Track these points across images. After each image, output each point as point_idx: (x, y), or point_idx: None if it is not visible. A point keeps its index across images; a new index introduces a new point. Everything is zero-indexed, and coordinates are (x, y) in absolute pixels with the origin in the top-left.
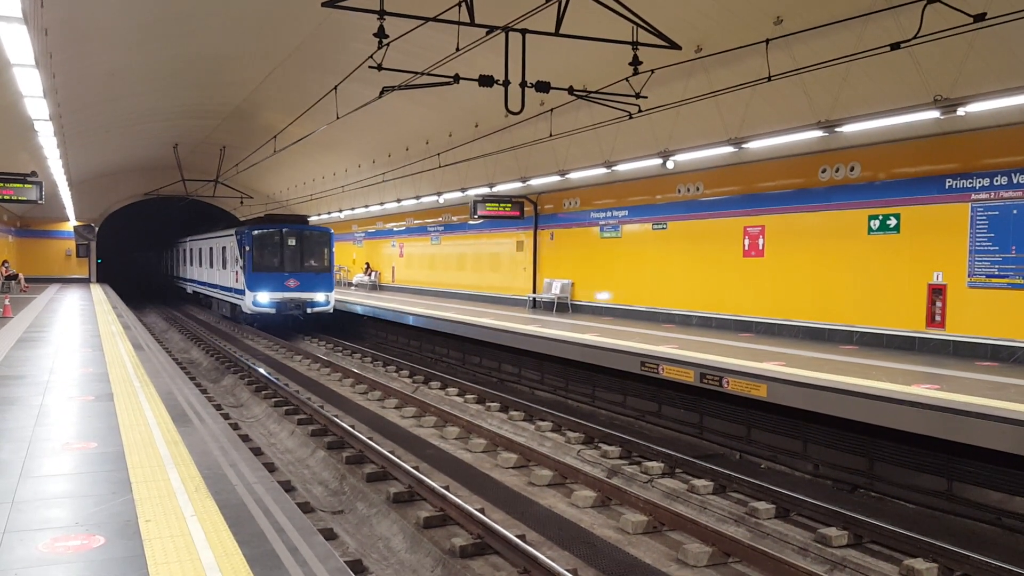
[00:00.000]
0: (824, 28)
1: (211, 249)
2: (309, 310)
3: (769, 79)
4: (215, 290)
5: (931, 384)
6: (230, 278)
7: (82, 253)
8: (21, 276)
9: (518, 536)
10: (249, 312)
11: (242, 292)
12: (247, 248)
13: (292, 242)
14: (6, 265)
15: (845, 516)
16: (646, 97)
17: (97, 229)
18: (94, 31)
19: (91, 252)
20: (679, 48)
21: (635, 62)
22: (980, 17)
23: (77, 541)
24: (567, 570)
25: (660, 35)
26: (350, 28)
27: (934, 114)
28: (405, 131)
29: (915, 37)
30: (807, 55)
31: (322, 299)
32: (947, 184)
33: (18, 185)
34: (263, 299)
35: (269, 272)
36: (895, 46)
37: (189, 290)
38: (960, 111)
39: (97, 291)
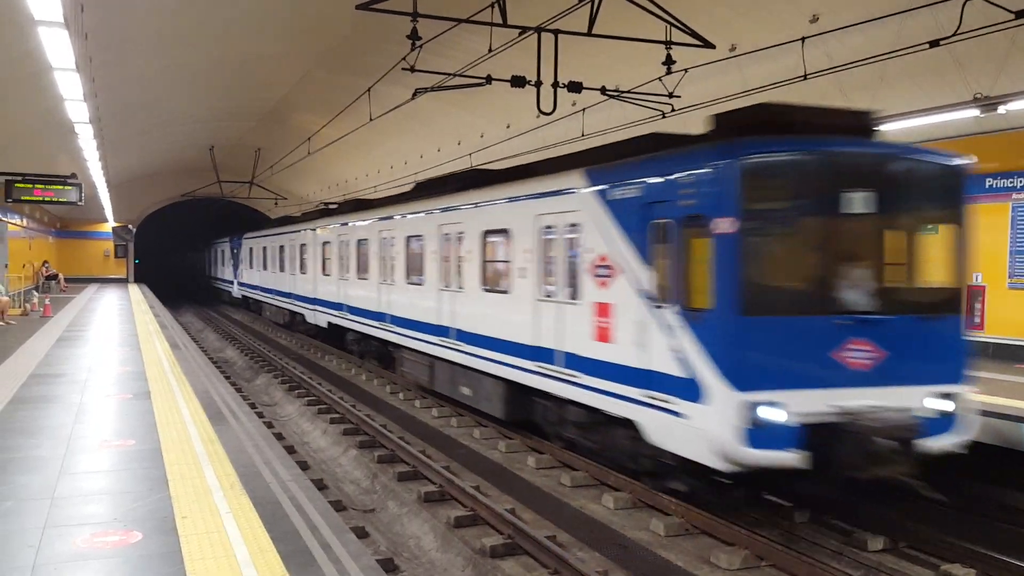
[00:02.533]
0: (861, 25)
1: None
2: None
3: (805, 77)
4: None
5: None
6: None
7: (120, 254)
8: (61, 276)
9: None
10: None
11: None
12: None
13: None
14: (46, 265)
15: None
16: (679, 96)
17: (135, 230)
18: (133, 35)
19: (129, 253)
20: (713, 47)
21: (668, 61)
22: (1022, 13)
23: (115, 537)
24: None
25: (694, 34)
26: (383, 30)
27: (974, 112)
28: (436, 132)
29: (955, 34)
30: (844, 53)
31: None
32: (987, 183)
33: (59, 187)
34: None
35: None
36: (934, 43)
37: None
38: (1001, 109)
39: (135, 291)
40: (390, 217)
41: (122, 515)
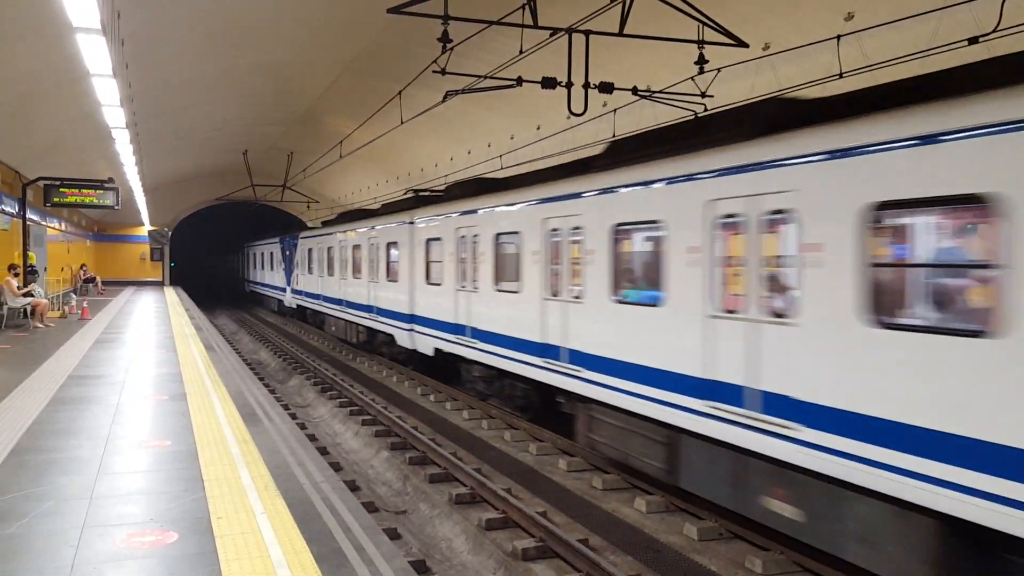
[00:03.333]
0: (898, 23)
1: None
2: None
3: (841, 76)
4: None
5: None
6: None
7: (156, 257)
8: (98, 279)
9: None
10: None
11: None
12: None
13: None
14: (84, 269)
15: None
16: (712, 96)
17: (170, 233)
18: (168, 41)
19: (164, 256)
20: (746, 46)
21: (700, 61)
22: None
23: (152, 537)
24: None
25: (727, 33)
26: (414, 33)
27: None
28: (467, 134)
29: (994, 31)
30: (879, 51)
31: None
32: None
33: (96, 191)
34: None
35: None
36: (973, 40)
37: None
38: None
39: (170, 294)
40: (571, 196)
41: (158, 515)
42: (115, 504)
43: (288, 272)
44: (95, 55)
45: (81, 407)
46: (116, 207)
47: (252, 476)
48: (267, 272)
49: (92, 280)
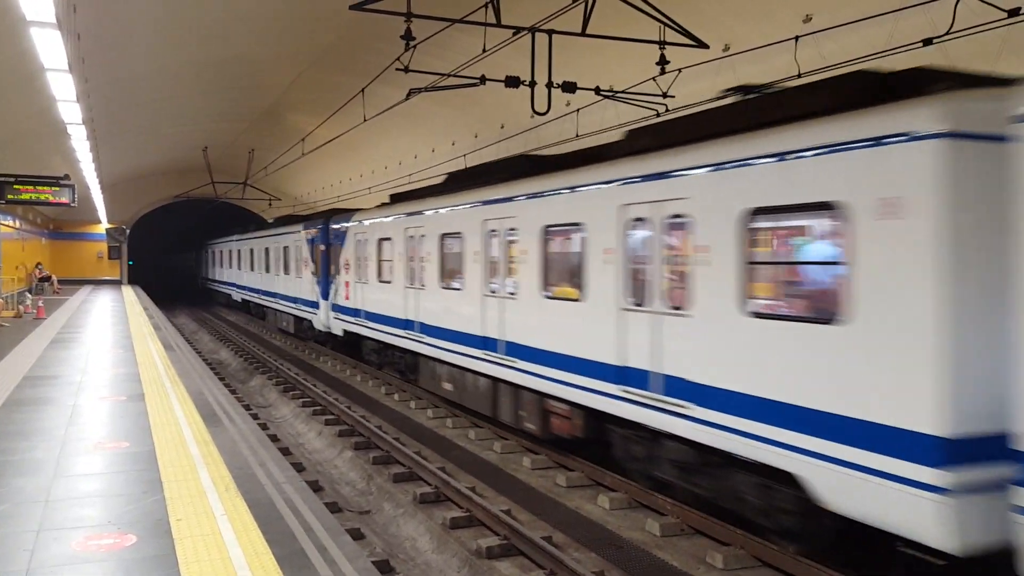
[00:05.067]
0: (854, 24)
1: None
2: None
3: (799, 76)
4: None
5: None
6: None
7: (114, 255)
8: (54, 278)
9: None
10: None
11: None
12: None
13: None
14: (39, 267)
15: None
16: (673, 96)
17: (128, 231)
18: (126, 36)
19: (122, 254)
20: (707, 47)
21: (662, 61)
22: (1015, 12)
23: (109, 539)
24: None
25: (687, 34)
26: (377, 31)
27: None
28: (430, 132)
29: (947, 33)
30: (837, 52)
31: None
32: None
33: (52, 188)
34: None
35: None
36: (927, 42)
37: (333, 327)
38: None
39: (128, 293)
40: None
41: (116, 518)
42: (72, 507)
43: (325, 279)
44: (50, 50)
45: (36, 408)
46: (72, 204)
47: (212, 477)
48: (262, 276)
49: (48, 279)
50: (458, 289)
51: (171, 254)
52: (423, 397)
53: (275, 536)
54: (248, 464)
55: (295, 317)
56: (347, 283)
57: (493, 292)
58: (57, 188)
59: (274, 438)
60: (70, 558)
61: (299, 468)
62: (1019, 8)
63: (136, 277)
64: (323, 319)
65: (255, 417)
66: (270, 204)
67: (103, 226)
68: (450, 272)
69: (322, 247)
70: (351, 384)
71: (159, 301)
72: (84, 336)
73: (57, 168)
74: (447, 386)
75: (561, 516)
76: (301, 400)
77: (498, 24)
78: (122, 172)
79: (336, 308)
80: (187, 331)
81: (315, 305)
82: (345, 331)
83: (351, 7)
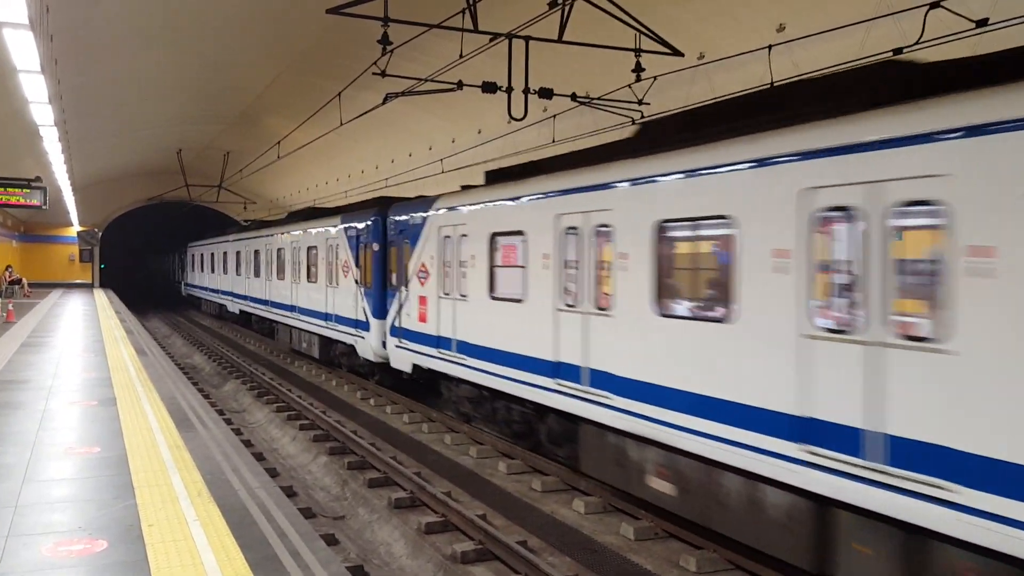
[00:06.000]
0: (826, 34)
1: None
2: None
3: (772, 85)
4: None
5: None
6: None
7: (85, 258)
8: (25, 281)
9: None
10: None
11: None
12: None
13: None
14: (10, 270)
15: None
16: (648, 104)
17: (100, 234)
18: (100, 37)
19: (94, 257)
20: (682, 55)
21: (637, 69)
22: (983, 23)
23: (80, 545)
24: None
25: (663, 42)
26: (354, 35)
27: None
28: (408, 137)
29: (917, 43)
30: (809, 61)
31: None
32: None
33: (23, 190)
34: None
35: None
36: (897, 52)
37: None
38: None
39: (100, 296)
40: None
41: (87, 523)
42: (42, 512)
43: (380, 291)
44: (22, 51)
45: (6, 413)
46: (43, 207)
47: (185, 482)
48: (272, 284)
49: (18, 282)
50: (717, 320)
51: (145, 257)
52: (399, 402)
53: (248, 541)
54: (221, 469)
55: (323, 338)
56: (422, 298)
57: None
58: (28, 190)
59: (248, 443)
60: (40, 564)
61: (273, 473)
62: (987, 19)
63: (108, 280)
64: (374, 345)
65: (228, 422)
66: (245, 207)
67: (75, 229)
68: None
69: (375, 247)
70: (326, 389)
71: (132, 305)
72: (55, 340)
73: (29, 170)
74: (660, 486)
75: (536, 520)
76: (276, 405)
77: (475, 30)
78: (95, 174)
79: (400, 333)
80: (160, 335)
81: (361, 325)
82: (416, 366)
83: (328, 11)
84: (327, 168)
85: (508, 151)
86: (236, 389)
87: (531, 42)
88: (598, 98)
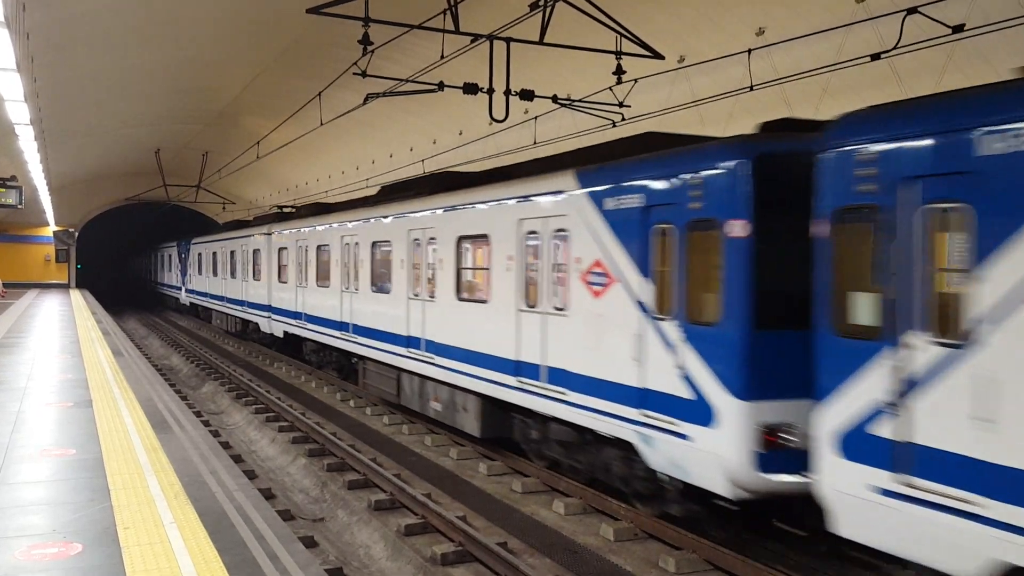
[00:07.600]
0: (805, 38)
1: None
2: None
3: (751, 88)
4: None
5: None
6: None
7: (62, 258)
8: None
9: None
10: None
11: None
12: None
13: None
14: None
15: None
16: (629, 106)
17: (77, 234)
18: (77, 35)
19: (71, 257)
20: (662, 58)
21: (618, 71)
22: (959, 28)
23: (54, 548)
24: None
25: (643, 44)
26: (335, 35)
27: None
28: (389, 137)
29: (895, 48)
30: (788, 65)
31: None
32: None
33: None
34: None
35: None
36: (875, 57)
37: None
38: None
39: (76, 297)
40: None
41: (62, 526)
42: (16, 515)
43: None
44: None
45: None
46: (19, 206)
47: (161, 485)
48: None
49: None
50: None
51: (121, 257)
52: (379, 403)
53: (226, 544)
54: (198, 471)
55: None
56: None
57: None
58: (3, 190)
59: (226, 445)
60: (14, 568)
61: (251, 475)
62: (963, 25)
63: (85, 281)
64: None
65: (206, 424)
66: (223, 207)
67: (51, 229)
68: None
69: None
70: (305, 390)
71: (108, 306)
72: (30, 341)
73: (4, 169)
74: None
75: (516, 522)
76: (254, 407)
77: (456, 31)
78: (71, 174)
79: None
80: (137, 336)
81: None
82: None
83: (308, 10)
84: (307, 169)
85: (490, 152)
86: (214, 391)
87: (512, 43)
88: (579, 100)
